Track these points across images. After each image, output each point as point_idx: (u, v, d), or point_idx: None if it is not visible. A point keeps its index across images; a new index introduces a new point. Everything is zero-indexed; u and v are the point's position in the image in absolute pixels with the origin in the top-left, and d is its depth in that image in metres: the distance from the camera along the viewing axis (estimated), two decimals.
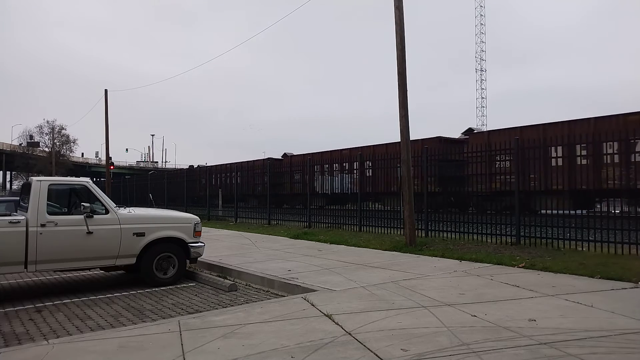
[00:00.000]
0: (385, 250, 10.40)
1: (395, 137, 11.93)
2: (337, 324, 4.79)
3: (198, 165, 39.93)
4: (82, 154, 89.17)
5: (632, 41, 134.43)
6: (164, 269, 8.11)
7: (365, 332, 4.50)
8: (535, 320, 4.75)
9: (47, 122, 67.67)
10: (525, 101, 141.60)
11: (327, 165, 24.73)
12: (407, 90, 10.84)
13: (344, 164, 23.44)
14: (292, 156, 30.37)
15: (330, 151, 26.77)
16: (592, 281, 6.73)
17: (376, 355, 3.90)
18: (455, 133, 25.35)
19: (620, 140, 10.90)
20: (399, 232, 12.57)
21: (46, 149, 67.08)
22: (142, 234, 7.82)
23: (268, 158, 31.53)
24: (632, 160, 11.95)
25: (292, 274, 7.77)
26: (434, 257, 9.20)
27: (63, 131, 68.14)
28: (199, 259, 8.79)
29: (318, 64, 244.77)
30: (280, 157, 32.19)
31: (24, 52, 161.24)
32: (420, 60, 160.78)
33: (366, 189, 19.88)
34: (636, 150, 10.54)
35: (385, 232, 13.22)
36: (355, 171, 19.27)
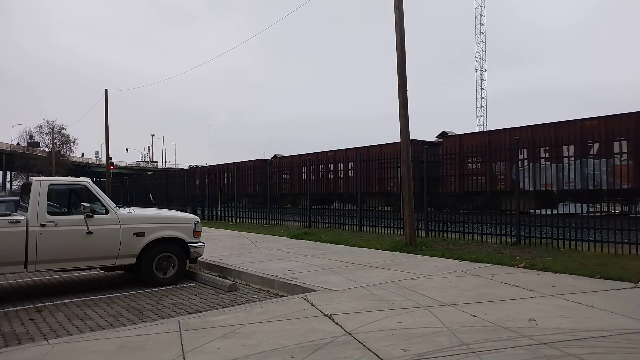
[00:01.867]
0: (385, 250, 10.40)
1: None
2: (337, 324, 4.79)
3: (275, 156, 32.64)
4: (82, 154, 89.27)
5: (632, 41, 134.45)
6: (164, 269, 8.10)
7: (365, 332, 4.50)
8: (535, 320, 4.75)
9: (47, 122, 67.74)
10: (525, 101, 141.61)
11: (545, 148, 16.19)
12: (407, 90, 10.84)
13: (590, 144, 15.08)
14: (463, 136, 20.67)
15: (555, 123, 17.63)
16: (592, 281, 6.73)
17: (376, 355, 3.90)
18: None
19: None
20: (399, 232, 12.57)
21: (46, 149, 67.06)
22: (142, 234, 7.82)
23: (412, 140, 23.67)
24: None
25: (292, 274, 7.77)
26: (434, 257, 9.20)
27: (63, 131, 68.21)
28: (199, 259, 8.79)
29: (318, 64, 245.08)
30: (434, 140, 23.47)
31: (24, 52, 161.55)
32: (420, 60, 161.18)
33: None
34: None
35: (385, 232, 13.22)
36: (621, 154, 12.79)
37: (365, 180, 17.36)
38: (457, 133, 21.73)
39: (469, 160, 17.48)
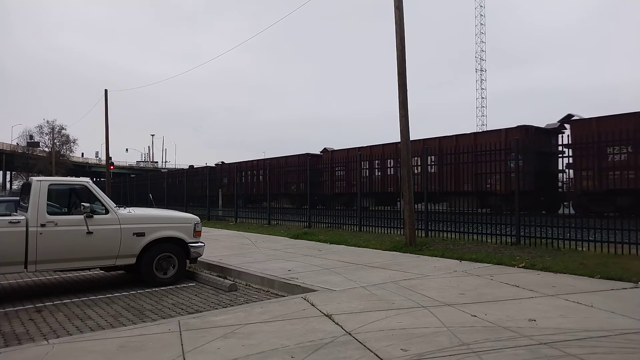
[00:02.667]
0: (385, 250, 10.40)
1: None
2: (337, 324, 4.79)
3: (325, 149, 28.33)
4: (82, 154, 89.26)
5: (631, 41, 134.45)
6: (164, 269, 8.11)
7: (365, 332, 4.50)
8: (535, 320, 4.75)
9: (47, 122, 67.77)
10: (525, 101, 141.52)
11: None
12: (407, 90, 10.84)
13: None
14: (601, 119, 16.21)
15: None
16: (592, 281, 6.73)
17: (376, 355, 3.90)
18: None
19: None
20: (399, 232, 12.57)
21: (46, 149, 67.06)
22: (142, 234, 7.82)
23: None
24: None
25: (292, 274, 7.77)
26: (434, 257, 9.20)
27: (63, 131, 68.22)
28: (199, 259, 8.79)
29: (318, 64, 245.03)
30: (547, 126, 18.76)
31: (24, 52, 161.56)
32: (420, 60, 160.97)
33: None
34: None
35: (385, 232, 13.22)
36: None
37: (453, 177, 15.14)
38: (587, 116, 17.19)
39: (612, 151, 13.30)
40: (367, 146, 24.15)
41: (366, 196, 21.81)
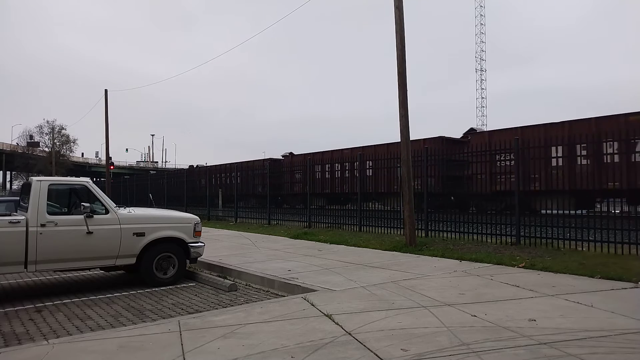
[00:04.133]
0: (385, 250, 10.40)
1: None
2: (337, 324, 4.79)
3: (473, 129, 21.79)
4: (82, 154, 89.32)
5: (631, 41, 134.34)
6: (164, 269, 8.11)
7: (365, 332, 4.50)
8: (535, 320, 4.75)
9: (47, 122, 67.92)
10: (524, 101, 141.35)
11: None
12: (407, 90, 10.84)
13: None
14: None
15: None
16: (592, 281, 6.73)
17: (376, 355, 3.90)
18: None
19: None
20: (399, 232, 12.57)
21: (46, 149, 67.11)
22: (142, 234, 7.82)
23: None
24: None
25: (292, 274, 7.77)
26: (434, 257, 9.20)
27: (63, 131, 68.31)
28: (199, 259, 8.79)
29: (318, 64, 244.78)
30: None
31: (24, 52, 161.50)
32: (421, 60, 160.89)
33: None
34: None
35: (385, 232, 13.21)
36: None
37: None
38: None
39: None
40: (541, 124, 18.13)
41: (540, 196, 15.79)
